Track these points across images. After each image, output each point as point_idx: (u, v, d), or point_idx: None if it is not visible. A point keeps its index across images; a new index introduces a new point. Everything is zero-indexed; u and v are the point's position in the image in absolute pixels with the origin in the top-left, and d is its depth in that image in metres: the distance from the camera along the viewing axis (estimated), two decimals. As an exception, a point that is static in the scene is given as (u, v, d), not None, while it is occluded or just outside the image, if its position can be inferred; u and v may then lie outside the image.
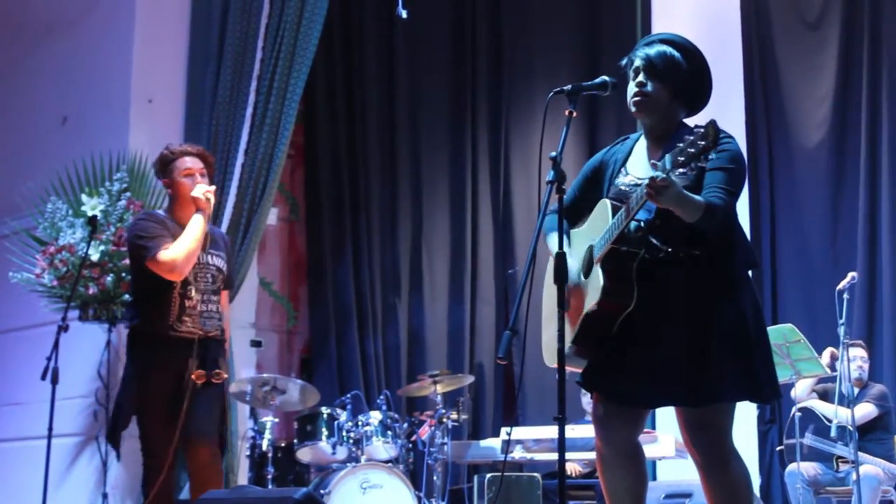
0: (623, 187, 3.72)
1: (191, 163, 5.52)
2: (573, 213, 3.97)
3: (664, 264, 3.65)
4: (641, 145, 3.90)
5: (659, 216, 3.65)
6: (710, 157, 3.34)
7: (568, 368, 3.84)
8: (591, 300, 3.65)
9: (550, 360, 3.82)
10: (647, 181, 3.43)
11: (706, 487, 3.75)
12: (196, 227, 5.38)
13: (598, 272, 3.64)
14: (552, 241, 3.81)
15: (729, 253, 3.69)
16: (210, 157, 5.65)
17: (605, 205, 3.75)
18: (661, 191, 3.40)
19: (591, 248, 3.75)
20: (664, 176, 3.39)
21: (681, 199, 3.47)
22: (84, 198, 6.90)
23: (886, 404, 7.35)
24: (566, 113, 3.78)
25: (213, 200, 5.46)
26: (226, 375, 5.52)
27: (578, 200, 3.98)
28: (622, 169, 3.87)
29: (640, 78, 3.80)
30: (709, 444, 3.70)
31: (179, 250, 5.35)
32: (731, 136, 3.76)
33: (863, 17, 8.34)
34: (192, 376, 5.34)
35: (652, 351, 3.65)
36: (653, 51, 3.81)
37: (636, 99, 3.80)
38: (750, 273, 3.85)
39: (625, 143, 4.01)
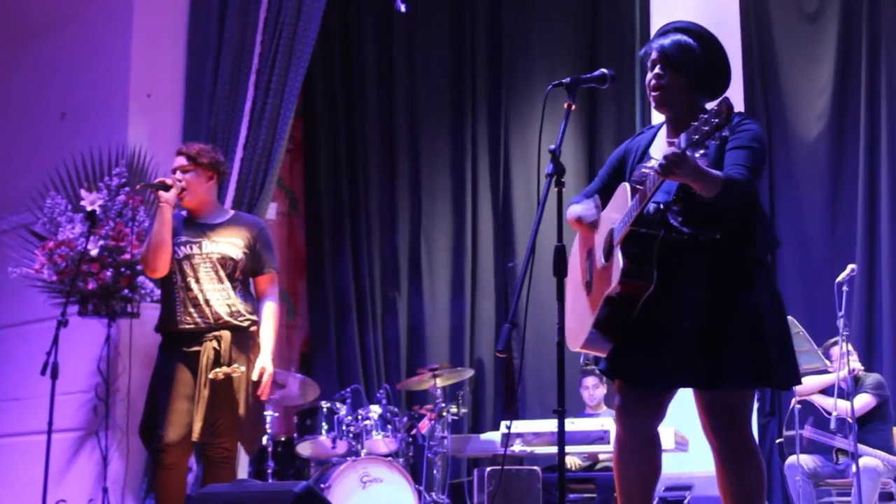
0: (645, 170, 3.71)
1: (175, 163, 5.68)
2: (601, 202, 3.98)
3: (684, 248, 3.65)
4: (664, 133, 3.92)
5: (679, 199, 3.66)
6: (724, 134, 3.35)
7: (591, 352, 3.86)
8: (611, 283, 3.65)
9: (573, 344, 3.83)
10: (661, 160, 3.44)
11: (720, 475, 3.75)
12: (155, 222, 5.51)
13: (617, 254, 3.64)
14: (574, 205, 3.89)
15: (749, 238, 3.69)
16: (189, 149, 5.71)
17: (624, 188, 3.76)
18: (675, 163, 3.40)
19: (611, 232, 3.76)
20: (678, 151, 3.39)
21: (697, 172, 3.47)
22: (83, 193, 6.89)
23: (884, 393, 7.36)
24: (565, 106, 3.78)
25: (170, 195, 5.51)
26: (242, 369, 5.44)
27: (604, 190, 4.00)
28: (645, 154, 3.89)
29: (657, 69, 3.81)
30: (726, 429, 3.70)
31: (143, 249, 5.55)
32: (752, 119, 3.81)
33: (861, 9, 8.34)
34: (211, 375, 5.36)
35: (668, 332, 3.66)
36: (668, 41, 3.82)
37: (655, 93, 3.82)
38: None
39: (649, 131, 4.04)
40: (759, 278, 3.70)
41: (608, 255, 3.75)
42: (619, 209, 3.73)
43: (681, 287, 3.65)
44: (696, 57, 3.80)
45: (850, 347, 7.14)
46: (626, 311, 3.69)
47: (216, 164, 5.71)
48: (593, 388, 8.00)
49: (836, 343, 7.04)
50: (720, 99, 3.33)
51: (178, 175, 5.59)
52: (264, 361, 5.54)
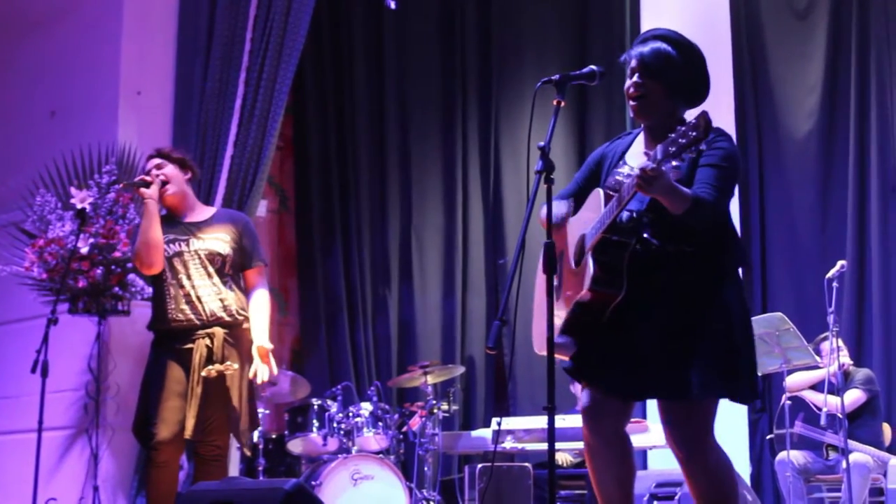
0: (619, 177, 3.72)
1: (148, 165, 5.72)
2: (575, 205, 3.98)
3: (654, 259, 3.66)
4: (641, 139, 3.92)
5: (651, 210, 3.66)
6: (701, 148, 3.35)
7: (557, 357, 3.85)
8: (581, 289, 3.66)
9: (540, 347, 3.83)
10: (637, 171, 3.44)
11: (688, 481, 3.77)
12: (143, 219, 5.51)
13: (588, 261, 3.65)
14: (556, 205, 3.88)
15: (719, 251, 3.70)
16: (162, 150, 5.76)
17: (598, 194, 3.77)
18: (650, 180, 3.41)
19: (583, 237, 3.76)
20: (654, 166, 3.40)
21: (669, 189, 3.48)
22: (73, 190, 6.88)
23: (874, 388, 7.39)
24: (554, 103, 3.78)
25: (151, 190, 5.52)
26: (235, 367, 5.44)
27: (580, 192, 4.00)
28: (621, 160, 3.89)
29: (636, 78, 3.81)
30: (688, 439, 3.70)
31: (135, 246, 5.54)
32: (728, 136, 3.78)
33: (851, 5, 8.36)
34: (204, 372, 5.36)
35: (637, 344, 3.67)
36: (647, 49, 3.81)
37: (633, 101, 3.82)
38: (740, 271, 3.86)
39: (627, 136, 4.04)
40: (727, 292, 3.70)
41: (579, 260, 3.75)
42: (592, 215, 3.74)
43: (650, 298, 3.66)
44: (676, 65, 3.79)
45: (841, 343, 7.16)
46: (594, 317, 3.70)
47: (187, 161, 5.76)
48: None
49: (826, 338, 7.06)
50: (699, 113, 3.33)
51: (155, 171, 5.61)
52: (262, 341, 5.55)
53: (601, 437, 3.81)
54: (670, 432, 3.74)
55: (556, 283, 3.89)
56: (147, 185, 5.53)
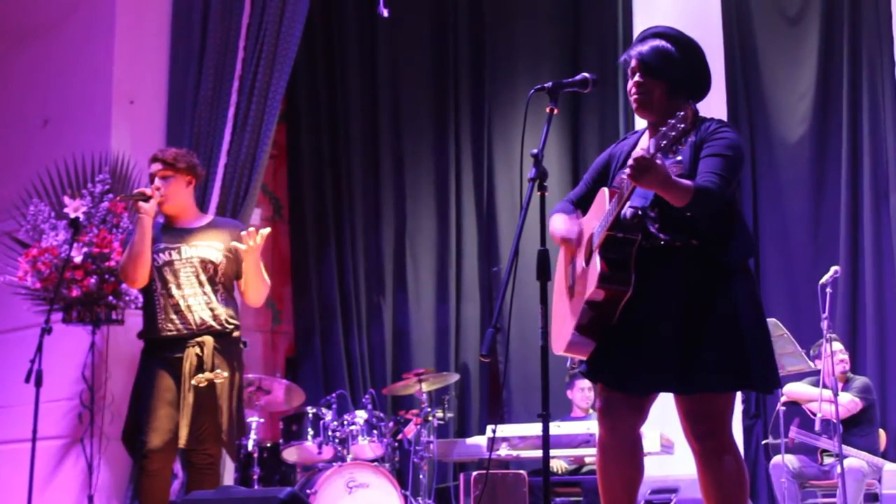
0: (623, 176, 3.74)
1: (151, 169, 5.64)
2: (584, 207, 4.00)
3: (661, 253, 3.68)
4: (646, 138, 3.93)
5: (656, 204, 3.68)
6: (692, 139, 3.37)
7: (574, 356, 3.87)
8: (590, 287, 3.68)
9: (556, 347, 3.86)
10: (631, 164, 3.46)
11: (701, 477, 3.76)
12: (135, 233, 5.48)
13: (596, 259, 3.67)
14: (556, 218, 3.92)
15: (726, 242, 3.71)
16: (165, 155, 5.68)
17: (603, 193, 3.80)
18: (641, 168, 3.42)
19: (591, 237, 3.78)
20: (645, 155, 3.41)
21: (666, 180, 3.49)
22: (66, 200, 6.88)
23: (870, 397, 7.37)
24: (547, 110, 3.80)
25: (150, 205, 5.48)
26: (225, 375, 5.43)
27: (588, 194, 4.02)
28: (626, 160, 3.90)
29: (637, 77, 3.83)
30: (706, 433, 3.71)
31: (122, 259, 5.53)
32: (731, 126, 3.82)
33: (842, 11, 8.37)
34: (194, 381, 5.35)
35: (648, 339, 3.68)
36: (646, 47, 3.84)
37: (635, 97, 3.85)
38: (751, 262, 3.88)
39: (633, 136, 4.07)
40: (736, 284, 3.71)
41: (588, 259, 3.77)
42: (599, 214, 3.76)
43: (659, 293, 3.67)
44: (676, 63, 3.82)
45: (842, 347, 7.17)
46: (606, 315, 3.71)
47: (193, 168, 5.70)
48: (588, 391, 7.92)
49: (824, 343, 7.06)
50: (686, 105, 3.37)
51: (157, 182, 5.56)
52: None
53: (616, 435, 3.82)
54: (687, 426, 3.76)
55: (568, 284, 3.91)
56: (146, 198, 5.50)
